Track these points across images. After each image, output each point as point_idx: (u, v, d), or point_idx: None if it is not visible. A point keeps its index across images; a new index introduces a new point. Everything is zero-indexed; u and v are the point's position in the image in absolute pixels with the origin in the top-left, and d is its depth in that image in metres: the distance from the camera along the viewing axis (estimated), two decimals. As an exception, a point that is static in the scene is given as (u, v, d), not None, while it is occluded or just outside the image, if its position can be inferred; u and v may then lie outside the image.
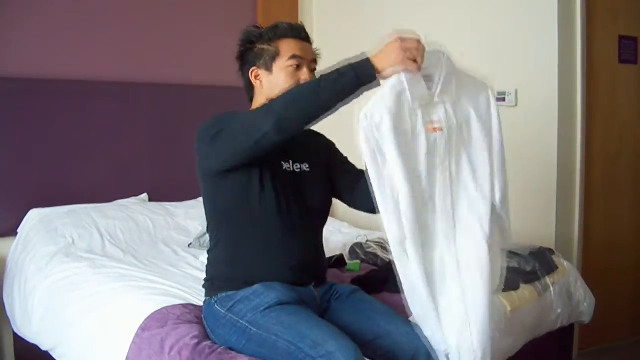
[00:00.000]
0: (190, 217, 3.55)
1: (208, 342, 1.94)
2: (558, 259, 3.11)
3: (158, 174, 3.82)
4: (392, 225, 1.75)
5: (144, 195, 3.73)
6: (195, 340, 1.90)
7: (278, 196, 2.03)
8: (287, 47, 2.08)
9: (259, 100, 2.12)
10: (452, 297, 1.83)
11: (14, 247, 3.18)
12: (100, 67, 3.66)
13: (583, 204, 3.61)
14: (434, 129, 1.80)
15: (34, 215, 3.24)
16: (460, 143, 1.85)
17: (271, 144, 1.83)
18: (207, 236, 2.76)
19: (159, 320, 2.12)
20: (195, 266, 2.88)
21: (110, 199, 3.54)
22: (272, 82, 2.08)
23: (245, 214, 2.03)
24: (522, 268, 2.88)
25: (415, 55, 1.73)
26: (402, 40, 1.74)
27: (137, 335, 2.12)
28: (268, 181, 2.01)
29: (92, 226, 3.20)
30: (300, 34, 2.12)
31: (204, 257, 2.58)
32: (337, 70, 1.77)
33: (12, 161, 3.29)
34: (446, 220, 1.84)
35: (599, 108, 3.60)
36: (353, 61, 1.77)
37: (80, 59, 3.58)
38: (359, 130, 1.75)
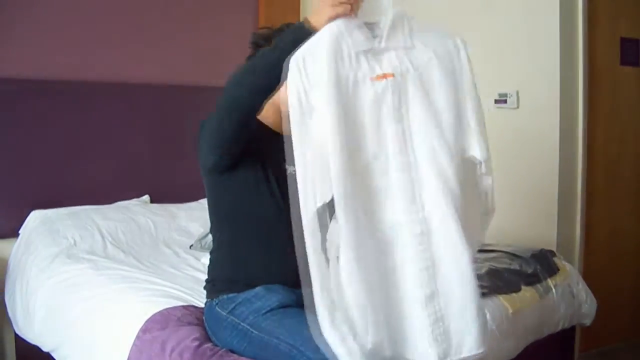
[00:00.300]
0: (192, 218, 3.54)
1: (209, 345, 1.94)
2: (559, 261, 3.11)
3: (160, 175, 3.82)
4: (315, 188, 1.58)
5: (146, 197, 3.73)
6: (197, 343, 1.90)
7: (282, 198, 2.02)
8: None
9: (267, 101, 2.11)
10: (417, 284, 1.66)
11: (15, 248, 3.19)
12: (102, 68, 3.66)
13: (584, 205, 3.61)
14: (384, 76, 1.65)
15: (36, 217, 3.24)
16: (417, 89, 1.69)
17: (247, 111, 1.80)
18: (209, 238, 2.78)
19: (160, 322, 2.11)
20: (196, 268, 2.88)
21: (111, 200, 3.54)
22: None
23: (247, 216, 2.02)
24: (523, 270, 2.88)
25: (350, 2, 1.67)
26: None
27: (138, 337, 2.12)
28: (271, 183, 2.01)
29: (94, 227, 3.20)
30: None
31: (205, 259, 2.58)
32: (278, 38, 1.75)
33: (13, 162, 3.30)
34: (405, 180, 1.66)
35: (601, 110, 3.60)
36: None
37: (82, 60, 3.58)
38: (288, 78, 1.61)
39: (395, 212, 1.65)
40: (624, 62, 3.66)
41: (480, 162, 1.82)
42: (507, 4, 3.62)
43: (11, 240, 3.26)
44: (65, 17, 3.53)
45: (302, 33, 1.69)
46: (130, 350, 2.11)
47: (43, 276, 2.84)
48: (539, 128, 3.50)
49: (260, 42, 2.05)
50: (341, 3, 1.66)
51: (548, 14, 3.42)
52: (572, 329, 3.19)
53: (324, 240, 1.60)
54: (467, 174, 1.77)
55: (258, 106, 1.78)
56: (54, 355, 2.66)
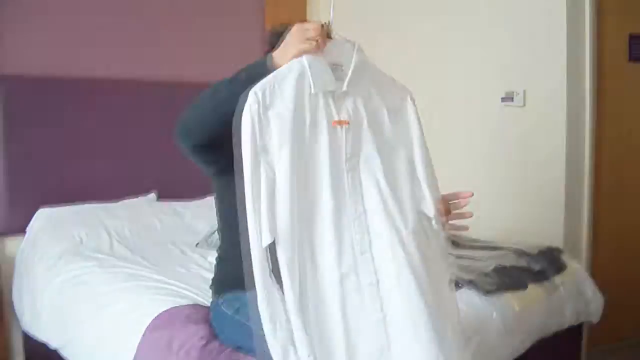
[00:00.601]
0: (198, 216, 3.54)
1: (216, 343, 1.95)
2: (567, 259, 3.11)
3: (166, 172, 3.82)
4: (257, 228, 1.51)
5: (153, 194, 3.73)
6: (204, 341, 1.90)
7: None
8: None
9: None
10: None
11: (22, 246, 3.20)
12: (108, 65, 3.66)
13: (592, 203, 3.60)
14: (340, 122, 1.63)
15: (43, 215, 3.25)
16: (370, 139, 1.67)
17: (191, 148, 1.83)
18: (215, 236, 2.78)
19: (166, 320, 2.12)
20: (203, 266, 2.88)
21: (118, 197, 3.54)
22: None
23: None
24: (530, 267, 2.88)
25: (313, 35, 1.63)
26: (300, 25, 1.66)
27: (145, 335, 2.12)
28: None
29: (100, 225, 3.21)
30: None
31: (212, 257, 2.58)
32: (241, 70, 1.73)
33: (20, 160, 3.30)
34: (355, 230, 1.62)
35: (608, 107, 3.58)
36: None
37: (88, 57, 3.58)
38: (245, 109, 1.54)
39: (343, 261, 1.58)
40: (632, 58, 3.64)
41: (430, 218, 1.77)
42: (514, 1, 3.61)
43: (18, 238, 3.27)
44: (75, 16, 3.54)
45: (263, 70, 1.66)
46: (137, 349, 2.12)
47: (50, 274, 2.85)
48: (546, 126, 3.49)
49: (272, 38, 1.99)
50: (307, 40, 1.63)
51: (555, 11, 3.40)
52: (580, 326, 3.18)
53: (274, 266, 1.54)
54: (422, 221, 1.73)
55: (210, 132, 1.73)
56: (61, 352, 2.67)
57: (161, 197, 3.75)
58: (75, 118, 3.48)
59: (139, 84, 3.77)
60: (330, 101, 1.64)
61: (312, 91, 1.62)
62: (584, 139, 3.52)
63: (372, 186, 1.64)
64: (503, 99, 3.63)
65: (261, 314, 1.53)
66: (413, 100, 1.80)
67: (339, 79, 1.66)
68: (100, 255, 2.96)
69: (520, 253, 2.99)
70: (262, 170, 1.53)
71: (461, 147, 3.92)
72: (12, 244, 3.29)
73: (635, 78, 3.69)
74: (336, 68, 1.67)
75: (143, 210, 3.43)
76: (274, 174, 1.54)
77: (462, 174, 3.77)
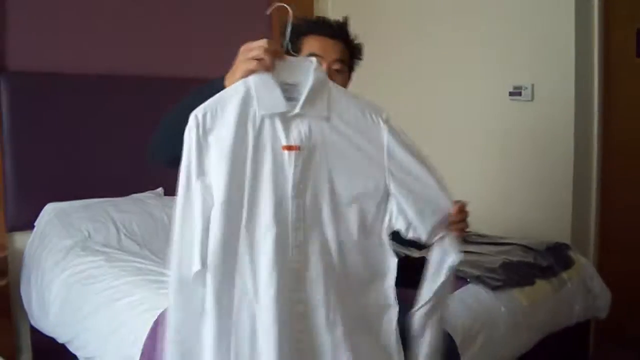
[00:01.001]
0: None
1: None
2: (574, 254, 3.10)
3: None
4: (190, 254, 1.46)
5: (160, 189, 3.73)
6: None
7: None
8: (308, 44, 2.01)
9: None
10: None
11: (30, 241, 3.20)
12: (115, 61, 3.66)
13: (599, 199, 3.59)
14: (289, 147, 1.52)
15: (50, 210, 3.25)
16: (322, 166, 1.57)
17: (165, 165, 1.72)
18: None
19: (174, 314, 2.12)
20: (210, 260, 2.88)
21: (126, 192, 3.55)
22: None
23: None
24: (538, 263, 2.88)
25: (257, 53, 1.53)
26: (246, 45, 1.57)
27: (152, 329, 2.13)
28: None
29: (108, 220, 3.21)
30: (325, 31, 2.04)
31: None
32: (197, 89, 1.66)
33: (27, 156, 3.31)
34: (293, 259, 1.54)
35: (616, 102, 3.57)
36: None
37: (96, 53, 3.58)
38: (185, 133, 1.49)
39: (279, 288, 1.50)
40: (640, 54, 3.63)
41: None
42: (523, -5, 3.61)
43: (27, 232, 3.28)
44: (81, 11, 3.53)
45: (216, 90, 1.57)
46: (145, 343, 2.13)
47: (58, 268, 2.86)
48: (554, 121, 3.48)
49: (284, 31, 2.00)
50: (254, 59, 1.53)
51: (563, 6, 3.39)
52: (587, 322, 3.18)
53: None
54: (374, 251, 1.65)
55: (175, 150, 1.56)
56: (69, 346, 2.68)
57: (168, 193, 3.75)
58: (82, 114, 3.48)
59: (147, 80, 3.76)
60: (278, 124, 1.53)
61: (258, 114, 1.52)
62: (592, 133, 3.52)
63: (315, 216, 1.56)
64: (511, 94, 3.62)
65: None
66: (387, 120, 1.65)
67: (293, 100, 1.55)
68: (108, 250, 2.96)
69: (528, 249, 2.99)
70: (198, 195, 1.47)
71: (469, 141, 3.91)
72: (20, 238, 3.30)
73: (643, 73, 3.67)
74: (290, 88, 1.57)
75: (151, 204, 3.43)
76: (212, 200, 1.48)
77: (470, 169, 3.77)
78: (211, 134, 1.49)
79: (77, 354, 2.62)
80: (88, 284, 2.66)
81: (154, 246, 3.10)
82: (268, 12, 1.77)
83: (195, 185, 1.47)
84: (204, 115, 1.49)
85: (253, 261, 1.51)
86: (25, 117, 3.29)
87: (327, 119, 1.58)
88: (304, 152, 1.54)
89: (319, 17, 2.07)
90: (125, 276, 2.61)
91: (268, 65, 1.53)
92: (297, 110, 1.55)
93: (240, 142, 1.50)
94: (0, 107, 3.22)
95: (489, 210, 3.58)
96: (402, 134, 1.67)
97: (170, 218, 3.34)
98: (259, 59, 1.53)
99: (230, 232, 1.48)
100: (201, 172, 1.48)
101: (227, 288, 1.49)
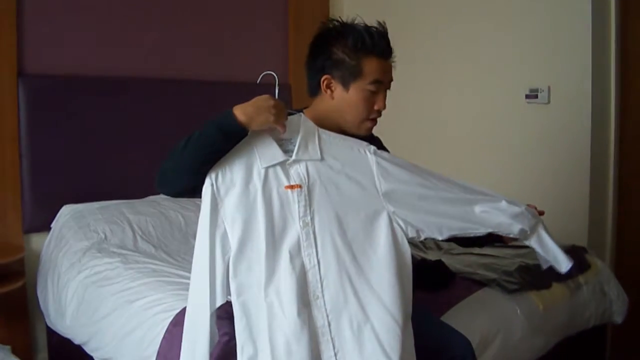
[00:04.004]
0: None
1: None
2: (591, 258, 3.08)
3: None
4: (211, 292, 1.73)
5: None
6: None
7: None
8: (371, 68, 1.94)
9: (320, 107, 2.03)
10: None
11: (47, 242, 3.22)
12: (132, 64, 3.68)
13: (616, 202, 3.57)
14: (291, 187, 1.79)
15: (67, 211, 3.27)
16: (323, 198, 1.81)
17: (173, 195, 1.92)
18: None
19: (190, 315, 2.12)
20: (225, 262, 2.89)
21: (142, 195, 3.56)
22: (345, 100, 1.97)
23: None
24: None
25: (277, 113, 1.77)
26: (272, 99, 1.78)
27: (168, 330, 2.14)
28: None
29: (124, 222, 3.22)
30: (385, 53, 1.98)
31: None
32: (201, 129, 1.79)
33: (46, 157, 3.32)
34: (310, 279, 1.76)
35: (634, 104, 3.54)
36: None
37: (113, 56, 3.60)
38: (203, 190, 1.78)
39: (298, 307, 1.71)
40: (657, 56, 3.60)
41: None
42: (539, -2, 3.59)
43: (43, 234, 3.29)
44: (100, 13, 3.54)
45: (233, 124, 1.74)
46: (161, 344, 2.13)
47: (74, 270, 2.87)
48: (570, 124, 3.47)
49: (330, 39, 1.99)
50: (273, 115, 1.76)
51: (580, 7, 3.38)
52: (604, 326, 3.16)
53: None
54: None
55: (187, 182, 1.81)
56: (84, 348, 2.69)
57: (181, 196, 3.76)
58: (99, 116, 3.50)
59: (163, 82, 3.78)
60: (280, 171, 1.80)
61: (261, 167, 1.79)
62: (609, 136, 3.49)
63: (326, 239, 1.78)
64: (527, 96, 3.61)
65: None
66: (373, 150, 1.88)
67: (289, 150, 1.83)
68: (124, 251, 2.97)
69: (545, 252, 2.97)
70: (217, 244, 1.74)
71: (485, 144, 3.90)
72: (37, 240, 3.32)
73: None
74: (285, 142, 1.84)
75: (167, 206, 3.44)
76: (229, 245, 1.75)
77: (486, 172, 3.76)
78: (224, 189, 1.77)
79: (93, 355, 2.63)
80: (104, 286, 2.67)
81: (169, 248, 3.11)
82: (258, 82, 2.03)
83: (216, 237, 1.74)
84: (217, 175, 1.78)
85: (277, 280, 1.74)
86: (42, 120, 3.31)
87: (321, 158, 1.85)
88: (305, 188, 1.80)
89: (370, 30, 1.97)
90: (141, 278, 2.62)
91: (284, 124, 1.80)
92: (293, 157, 1.82)
93: (249, 192, 1.77)
94: (18, 110, 3.24)
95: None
96: (389, 157, 1.91)
97: (185, 219, 3.40)
98: (277, 116, 1.76)
99: (250, 266, 1.74)
100: (219, 222, 1.76)
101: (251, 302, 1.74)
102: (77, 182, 3.42)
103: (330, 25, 2.01)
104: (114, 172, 3.55)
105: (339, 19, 2.03)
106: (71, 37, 3.45)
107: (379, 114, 2.02)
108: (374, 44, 1.95)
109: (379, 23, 2.01)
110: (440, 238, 1.87)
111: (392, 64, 2.03)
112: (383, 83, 1.98)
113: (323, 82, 1.99)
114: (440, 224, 1.85)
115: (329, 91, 1.99)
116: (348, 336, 1.70)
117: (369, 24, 2.00)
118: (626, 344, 3.57)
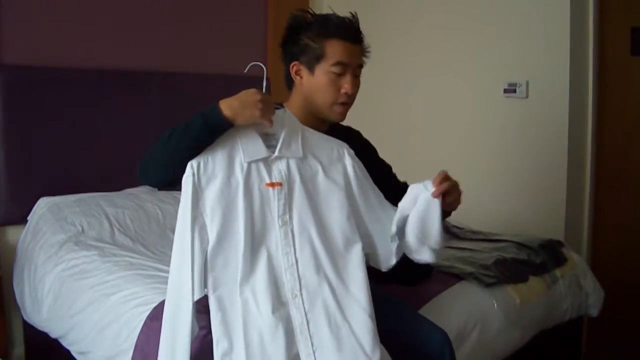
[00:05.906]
0: (199, 206, 3.53)
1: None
2: (567, 251, 3.11)
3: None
4: (190, 287, 1.72)
5: (154, 184, 3.72)
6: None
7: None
8: (334, 50, 1.99)
9: (295, 98, 2.09)
10: None
11: (23, 235, 3.19)
12: (110, 55, 3.65)
13: (593, 196, 3.60)
14: (272, 184, 1.80)
15: (43, 204, 3.24)
16: (302, 197, 1.83)
17: (154, 186, 1.95)
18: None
19: (167, 309, 2.12)
20: (204, 255, 2.88)
21: (119, 187, 3.53)
22: (312, 84, 2.03)
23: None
24: (531, 260, 2.88)
25: (264, 107, 1.76)
26: (255, 91, 1.77)
27: (145, 324, 2.13)
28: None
29: (102, 214, 3.19)
30: (350, 36, 2.02)
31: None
32: (186, 121, 1.78)
33: (22, 149, 3.29)
34: (288, 277, 1.77)
35: (611, 100, 3.58)
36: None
37: (91, 47, 3.57)
38: (183, 180, 1.76)
39: (275, 306, 1.72)
40: (634, 52, 3.62)
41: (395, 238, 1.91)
42: (517, -8, 3.61)
43: (20, 227, 3.26)
44: (77, 4, 3.51)
45: (219, 119, 1.74)
46: (138, 337, 2.12)
47: (51, 263, 2.85)
48: (548, 118, 3.49)
49: (297, 29, 2.03)
50: (260, 110, 1.75)
51: (559, 3, 3.40)
52: (580, 320, 3.19)
53: None
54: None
55: (167, 175, 1.82)
56: (61, 341, 2.67)
57: (162, 188, 3.73)
58: (77, 108, 3.47)
59: (142, 75, 3.75)
60: (262, 167, 1.81)
61: (244, 161, 1.79)
62: (586, 131, 3.53)
63: (306, 240, 1.80)
64: (505, 91, 3.63)
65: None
66: (350, 152, 1.93)
67: (272, 147, 1.83)
68: (101, 244, 2.94)
69: (522, 245, 3.00)
70: (196, 236, 1.73)
71: (463, 138, 3.92)
72: (13, 232, 3.29)
73: (637, 72, 3.67)
74: (269, 137, 1.84)
75: (145, 199, 3.42)
76: (207, 238, 1.74)
77: (464, 165, 3.77)
78: (205, 180, 1.76)
79: (70, 348, 2.61)
80: (81, 279, 2.65)
81: (147, 241, 3.09)
82: (245, 71, 1.98)
83: (193, 226, 1.73)
84: (199, 164, 1.76)
85: (253, 278, 1.75)
86: (19, 111, 3.27)
87: (302, 156, 1.86)
88: (285, 186, 1.81)
89: (339, 17, 2.03)
90: (119, 271, 2.60)
91: (271, 120, 1.79)
92: (276, 154, 1.82)
93: (230, 185, 1.77)
94: (-6, 101, 3.21)
95: (483, 206, 3.59)
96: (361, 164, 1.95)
97: (163, 212, 3.38)
98: (264, 111, 1.75)
99: (226, 261, 1.74)
100: (198, 214, 1.75)
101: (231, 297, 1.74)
102: (53, 175, 3.39)
103: (300, 15, 2.05)
104: (92, 165, 3.52)
105: (309, 10, 2.08)
106: (51, 28, 3.42)
107: (349, 98, 2.05)
108: (337, 26, 1.99)
109: (351, 13, 2.05)
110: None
111: (367, 54, 2.07)
112: (349, 66, 2.01)
113: (292, 69, 2.05)
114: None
115: (298, 77, 2.05)
116: (326, 334, 1.71)
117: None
118: (602, 337, 3.61)
